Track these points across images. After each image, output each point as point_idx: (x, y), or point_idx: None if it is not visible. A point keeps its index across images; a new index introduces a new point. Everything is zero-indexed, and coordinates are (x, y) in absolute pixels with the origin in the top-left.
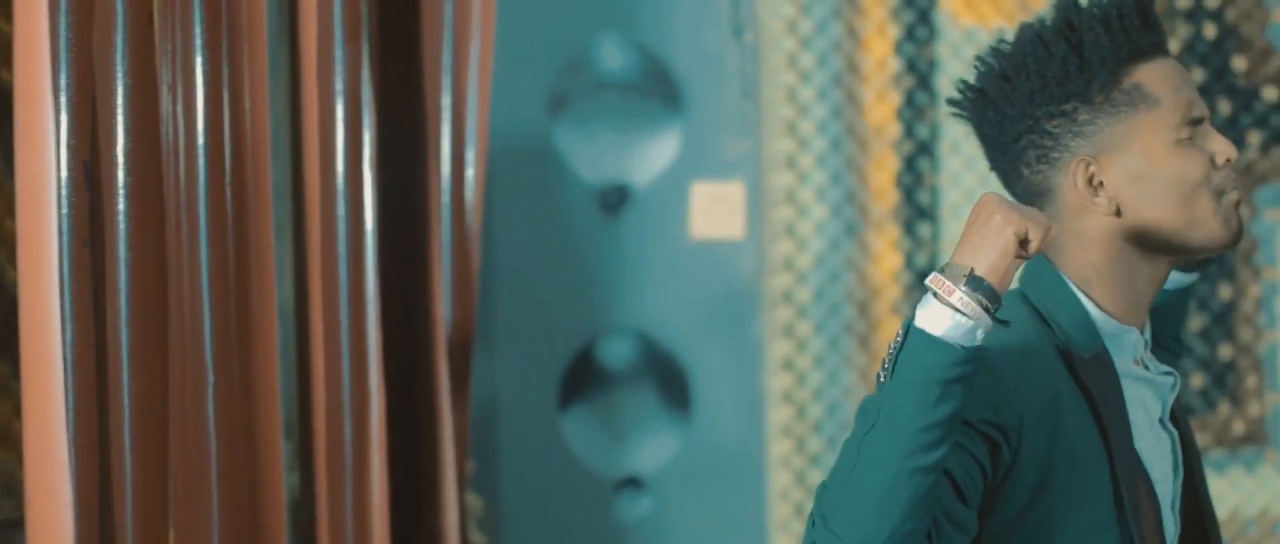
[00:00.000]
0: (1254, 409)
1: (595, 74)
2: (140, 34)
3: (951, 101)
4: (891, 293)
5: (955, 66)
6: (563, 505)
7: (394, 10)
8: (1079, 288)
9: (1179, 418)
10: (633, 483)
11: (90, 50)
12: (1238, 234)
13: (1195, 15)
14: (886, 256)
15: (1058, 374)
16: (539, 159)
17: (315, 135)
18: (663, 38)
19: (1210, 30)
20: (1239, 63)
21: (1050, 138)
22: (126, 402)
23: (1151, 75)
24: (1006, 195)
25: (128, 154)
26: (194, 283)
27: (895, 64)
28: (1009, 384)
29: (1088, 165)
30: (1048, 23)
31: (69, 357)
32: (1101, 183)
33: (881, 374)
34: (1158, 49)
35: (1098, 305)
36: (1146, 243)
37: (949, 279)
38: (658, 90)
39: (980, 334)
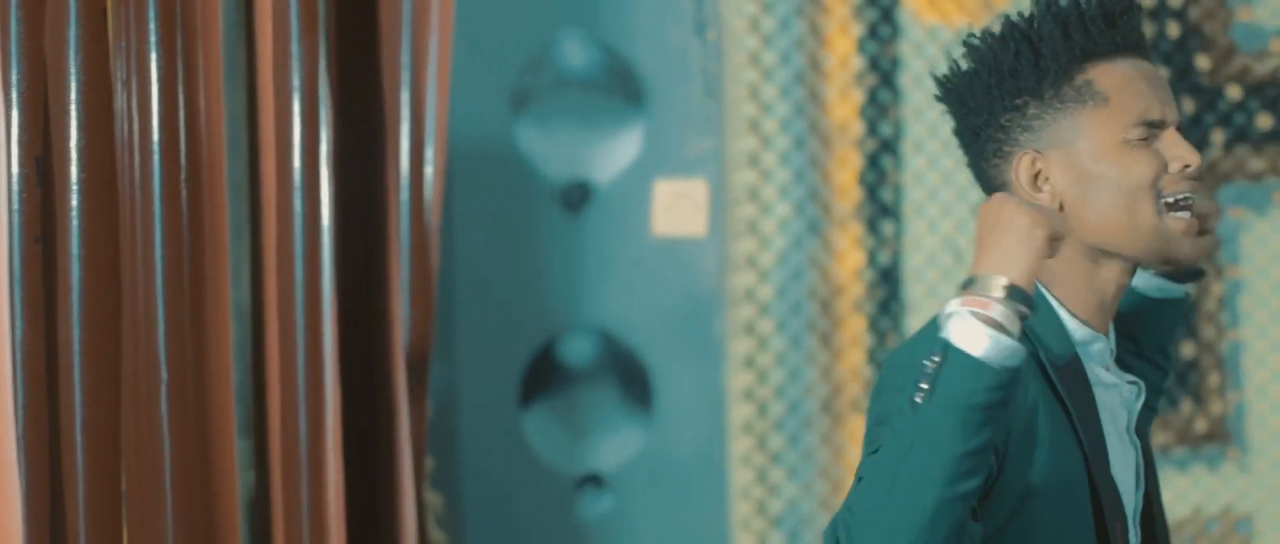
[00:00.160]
0: (1216, 407)
1: (557, 71)
2: (93, 29)
3: (937, 96)
4: (854, 290)
5: (918, 64)
6: (523, 504)
7: (352, 6)
8: (1045, 290)
9: (1142, 428)
10: (594, 481)
11: (42, 45)
12: (1185, 257)
13: (1159, 14)
14: (849, 254)
15: (1036, 382)
16: (501, 156)
17: (271, 132)
18: (625, 35)
19: (1174, 29)
20: (1202, 62)
21: (1003, 131)
22: (78, 400)
23: (1107, 74)
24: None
25: (81, 150)
26: (148, 280)
27: (858, 62)
28: None
29: (1033, 160)
30: (1012, 18)
31: (19, 354)
32: (1046, 179)
33: (916, 394)
34: (1121, 49)
35: (1065, 308)
36: (1094, 243)
37: (984, 293)
38: (620, 88)
39: (1018, 352)
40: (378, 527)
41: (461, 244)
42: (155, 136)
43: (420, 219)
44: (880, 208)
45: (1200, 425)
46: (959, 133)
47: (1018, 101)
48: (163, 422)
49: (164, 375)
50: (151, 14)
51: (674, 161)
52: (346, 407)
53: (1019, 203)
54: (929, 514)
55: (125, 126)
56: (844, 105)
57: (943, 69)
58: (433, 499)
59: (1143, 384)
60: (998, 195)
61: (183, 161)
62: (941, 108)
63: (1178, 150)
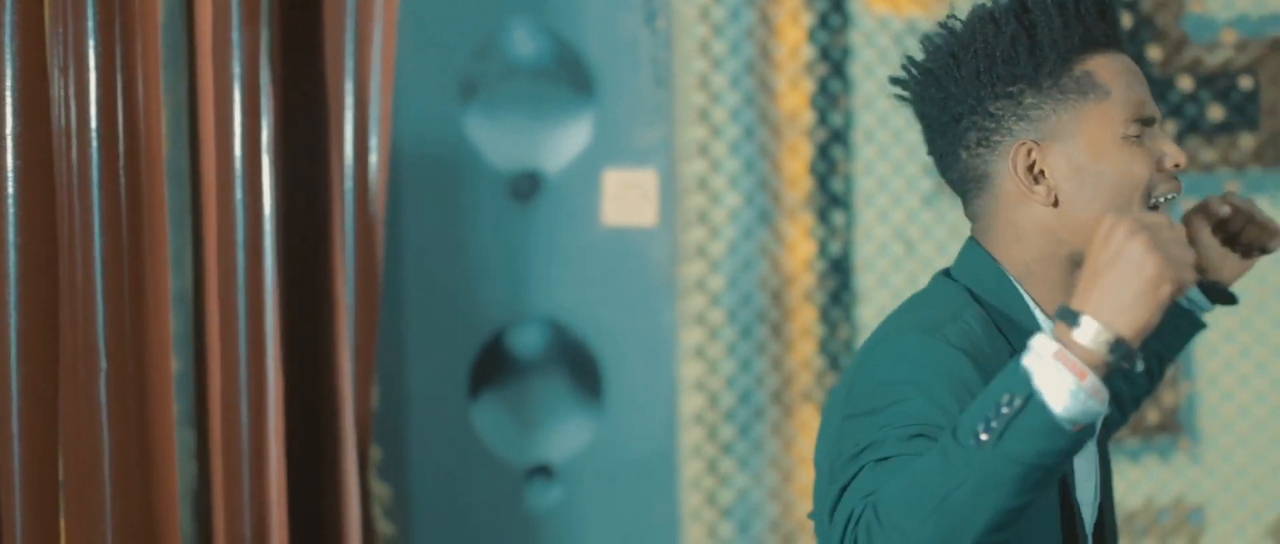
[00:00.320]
0: (1168, 398)
1: (506, 60)
2: (30, 17)
3: (896, 80)
4: (805, 280)
5: (869, 54)
6: (472, 494)
7: None
8: (1019, 285)
9: (1103, 440)
10: (543, 472)
11: None
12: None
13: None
14: (800, 244)
15: None
16: (449, 146)
17: (211, 121)
18: (575, 24)
19: (1126, 20)
20: (1154, 52)
21: (992, 120)
22: (15, 388)
23: (1103, 66)
24: (966, 198)
25: (17, 138)
26: (86, 269)
27: (808, 51)
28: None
29: (1029, 151)
30: (1002, 2)
31: None
32: (1042, 172)
33: (979, 432)
34: (1111, 42)
35: (1041, 309)
36: (1077, 246)
37: (1087, 346)
38: (569, 77)
39: (1100, 417)
40: (322, 517)
41: (410, 234)
42: (93, 125)
43: (365, 208)
44: (831, 198)
45: (1152, 416)
46: (931, 120)
47: (1012, 89)
48: (102, 411)
49: (103, 364)
50: (90, 1)
51: (624, 151)
52: (290, 396)
53: (1152, 242)
54: None
55: (63, 114)
56: (794, 95)
57: (915, 53)
58: (381, 490)
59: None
60: (1126, 221)
61: (121, 150)
62: (892, 98)
63: (1167, 148)
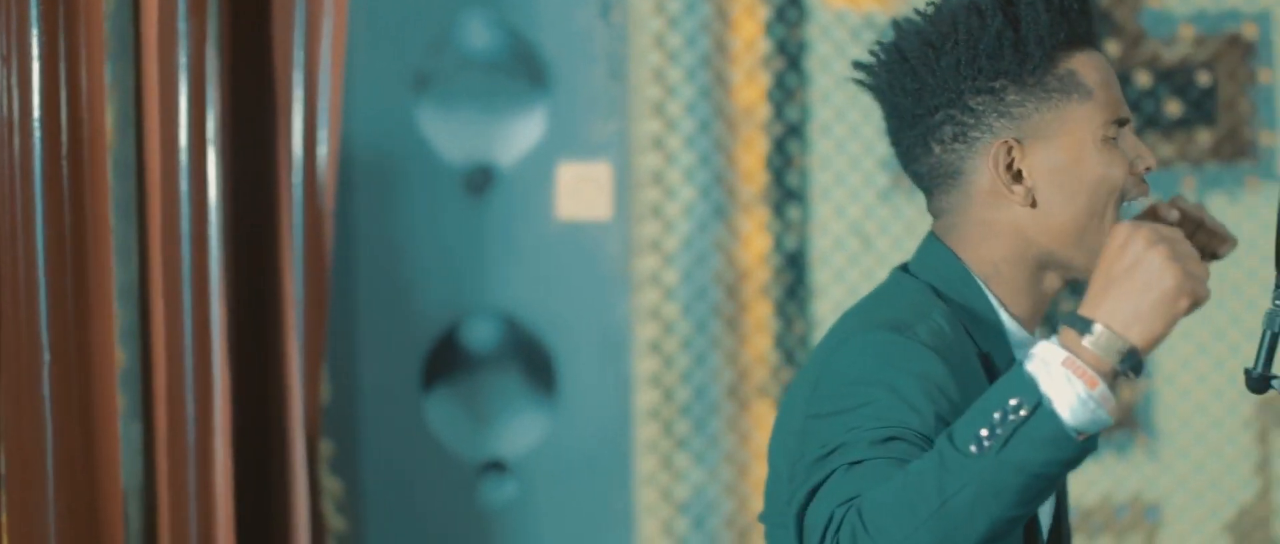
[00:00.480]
0: (1126, 394)
1: (460, 53)
2: None
3: (861, 66)
4: (760, 275)
5: (825, 48)
6: (425, 490)
7: None
8: (984, 285)
9: None
10: (497, 467)
11: None
12: None
13: None
14: (755, 239)
15: (976, 384)
16: (402, 139)
17: (155, 112)
18: (529, 16)
19: None
20: (1112, 48)
21: (972, 115)
22: None
23: (1086, 65)
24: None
25: None
26: (29, 261)
27: (765, 45)
28: (954, 400)
29: (1010, 148)
30: None
31: None
32: (1021, 171)
33: (981, 439)
34: (1091, 40)
35: (1006, 309)
36: (1048, 248)
37: (1098, 355)
38: (524, 70)
39: (1107, 426)
40: (270, 513)
41: (362, 227)
42: (36, 114)
43: (314, 201)
44: (786, 192)
45: None
46: (902, 111)
47: (995, 84)
48: (45, 405)
49: (46, 357)
50: None
51: (578, 144)
52: (238, 391)
53: (1172, 253)
54: None
55: (5, 104)
56: (750, 89)
57: (884, 40)
58: (333, 485)
59: (1115, 402)
60: (1145, 230)
61: (64, 140)
62: (850, 90)
63: (1140, 150)
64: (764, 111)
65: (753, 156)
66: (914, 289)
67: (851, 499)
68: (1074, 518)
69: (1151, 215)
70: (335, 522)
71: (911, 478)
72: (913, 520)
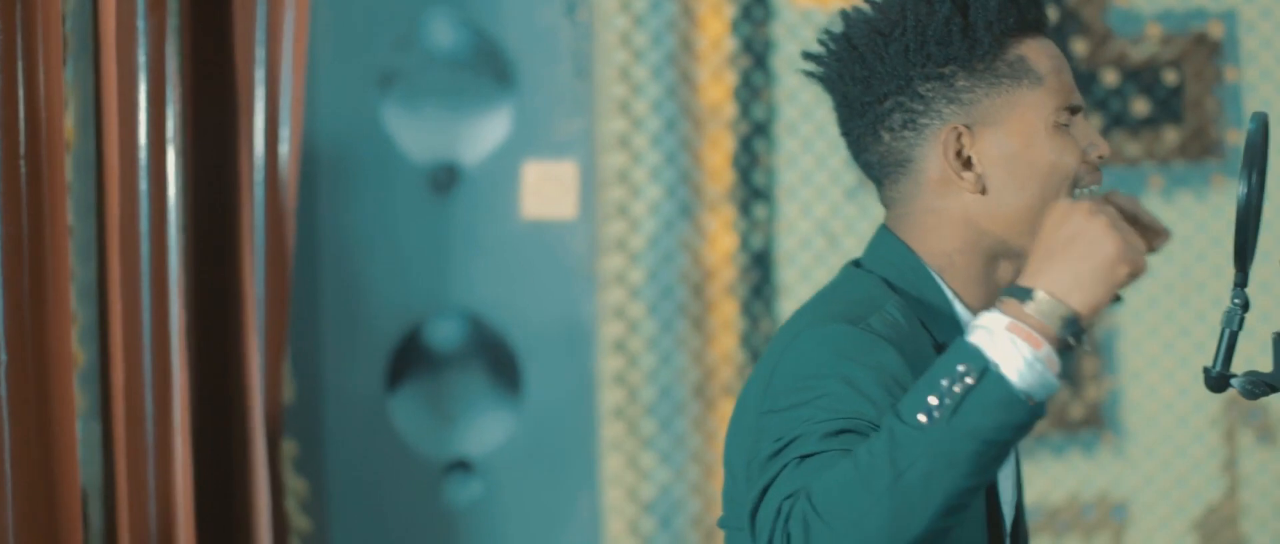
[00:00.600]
0: (1092, 393)
1: (425, 51)
2: None
3: (810, 56)
4: (726, 274)
5: (791, 47)
6: (390, 489)
7: None
8: (938, 277)
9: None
10: (462, 466)
11: None
12: None
13: None
14: (721, 238)
15: None
16: (367, 137)
17: (114, 110)
18: (494, 14)
19: (1051, 13)
20: (1079, 46)
21: (921, 101)
22: None
23: (1036, 51)
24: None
25: None
26: None
27: (731, 43)
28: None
29: (959, 135)
30: None
31: None
32: (970, 158)
33: (931, 411)
34: (1041, 26)
35: (959, 299)
36: (1000, 237)
37: (1041, 320)
38: (489, 68)
39: (1056, 390)
40: (232, 512)
41: (327, 226)
42: None
43: (276, 199)
44: (753, 191)
45: (1076, 411)
46: (851, 100)
47: (944, 70)
48: (2, 404)
49: (3, 357)
50: None
51: (543, 143)
52: (199, 390)
53: (1111, 223)
54: (913, 537)
55: None
56: (716, 87)
57: (835, 28)
58: (297, 484)
59: (1060, 366)
60: (1085, 203)
61: (22, 139)
62: (816, 91)
63: (1093, 137)
64: (730, 110)
65: (719, 155)
66: (867, 283)
67: (801, 489)
68: (1040, 517)
69: None
70: (299, 521)
71: (862, 458)
72: (866, 498)
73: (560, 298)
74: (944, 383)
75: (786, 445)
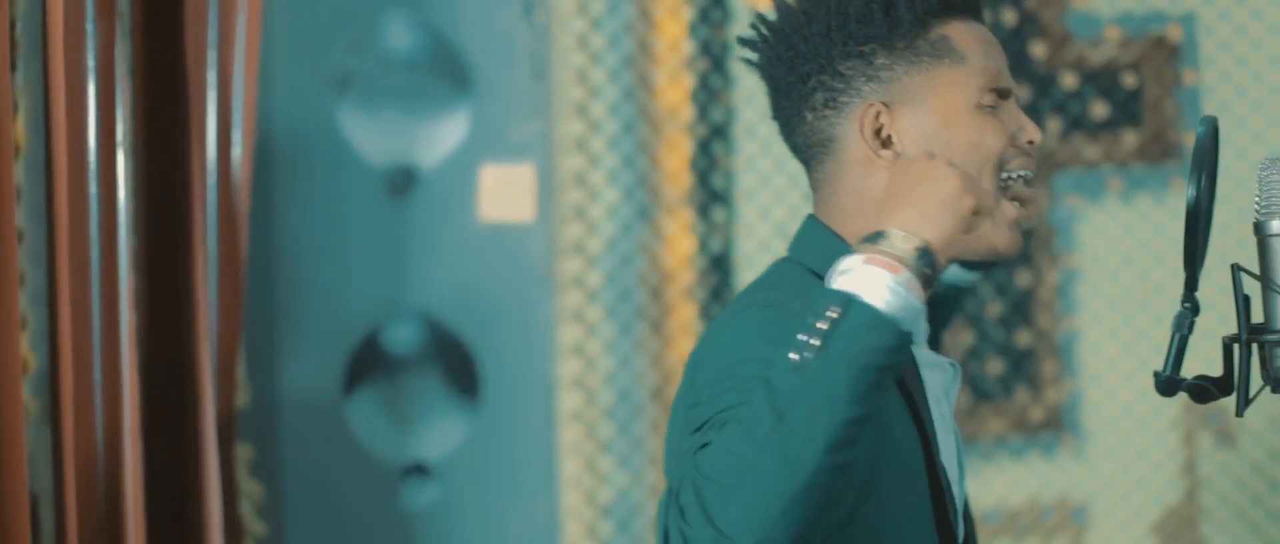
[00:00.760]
0: (1052, 395)
1: (382, 53)
2: None
3: (743, 41)
4: (685, 277)
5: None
6: (347, 493)
7: None
8: None
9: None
10: (419, 470)
11: None
12: (1006, 249)
13: (995, 1)
14: (680, 241)
15: None
16: (323, 140)
17: (62, 113)
18: (451, 17)
19: (1010, 16)
20: (1038, 49)
21: (841, 80)
22: None
23: (961, 32)
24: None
25: None
26: None
27: (689, 46)
28: None
29: (877, 113)
30: None
31: None
32: (889, 136)
33: (801, 350)
34: (970, 10)
35: None
36: None
37: (894, 251)
38: (446, 71)
39: (921, 315)
40: (185, 518)
41: (283, 229)
42: None
43: (228, 202)
44: (711, 193)
45: (1036, 414)
46: (778, 81)
47: (864, 49)
48: None
49: None
50: None
51: (501, 146)
52: (150, 395)
53: (949, 165)
54: (804, 482)
55: None
56: (674, 90)
57: (768, 14)
58: (253, 488)
59: (960, 367)
60: (923, 154)
61: None
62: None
63: (1022, 122)
64: (688, 113)
65: (677, 158)
66: (791, 273)
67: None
68: (1000, 520)
69: None
70: (255, 525)
71: (743, 413)
72: (752, 448)
73: (518, 301)
74: (811, 322)
75: (699, 429)
